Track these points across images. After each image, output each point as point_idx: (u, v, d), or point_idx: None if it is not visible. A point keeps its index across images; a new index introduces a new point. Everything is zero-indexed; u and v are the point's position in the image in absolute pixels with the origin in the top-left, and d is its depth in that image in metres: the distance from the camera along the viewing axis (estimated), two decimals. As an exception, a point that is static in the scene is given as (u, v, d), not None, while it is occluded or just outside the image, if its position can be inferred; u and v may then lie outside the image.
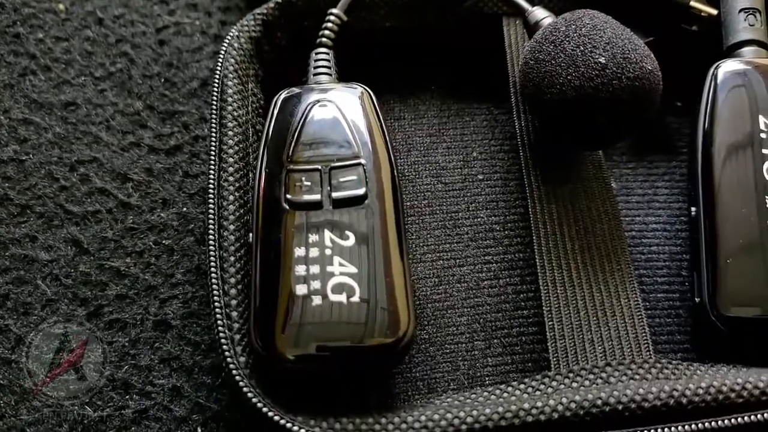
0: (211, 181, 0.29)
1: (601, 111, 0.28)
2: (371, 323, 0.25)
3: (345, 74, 0.33)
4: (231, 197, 0.29)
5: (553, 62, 0.28)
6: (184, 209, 0.34)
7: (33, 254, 0.32)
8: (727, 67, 0.31)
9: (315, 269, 0.26)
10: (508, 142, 0.34)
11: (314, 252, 0.26)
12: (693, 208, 0.30)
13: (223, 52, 0.32)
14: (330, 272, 0.26)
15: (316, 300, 0.25)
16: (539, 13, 0.31)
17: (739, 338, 0.28)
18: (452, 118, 0.35)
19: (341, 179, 0.28)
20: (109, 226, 0.33)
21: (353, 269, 0.26)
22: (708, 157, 0.30)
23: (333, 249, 0.26)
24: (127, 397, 0.29)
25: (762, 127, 0.30)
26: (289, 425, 0.24)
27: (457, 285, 0.31)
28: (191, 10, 0.39)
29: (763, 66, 0.31)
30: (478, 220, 0.33)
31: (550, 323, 0.28)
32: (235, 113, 0.31)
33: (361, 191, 0.27)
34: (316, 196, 0.27)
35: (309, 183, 0.28)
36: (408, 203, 0.33)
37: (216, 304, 0.27)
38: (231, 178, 0.29)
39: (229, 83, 0.32)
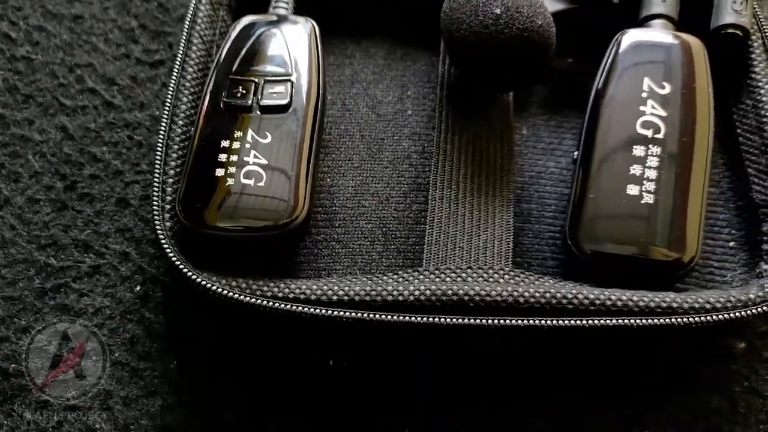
0: (172, 84, 0.35)
1: (493, 55, 0.32)
2: (270, 205, 0.31)
3: (311, 11, 0.38)
4: (185, 99, 0.35)
5: (461, 11, 0.33)
6: (157, 112, 0.40)
7: (29, 135, 0.39)
8: (629, 34, 0.35)
9: (234, 158, 0.32)
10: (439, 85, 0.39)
11: (236, 145, 0.32)
12: (576, 152, 0.35)
13: (203, -18, 0.38)
14: (246, 161, 0.31)
15: (230, 181, 0.31)
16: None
17: (596, 269, 0.33)
18: (396, 60, 0.40)
19: (270, 90, 0.33)
20: (93, 119, 0.39)
21: (264, 161, 0.32)
22: (595, 108, 0.34)
23: (252, 144, 0.32)
24: (86, 255, 0.36)
25: (645, 87, 0.34)
26: (194, 276, 0.30)
27: (370, 198, 0.36)
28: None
29: (662, 36, 0.35)
30: (400, 147, 0.38)
31: (429, 230, 0.33)
32: (202, 33, 0.37)
33: (284, 101, 0.33)
34: (248, 102, 0.33)
35: (244, 91, 0.33)
36: (342, 127, 0.38)
37: (156, 180, 0.32)
38: (188, 84, 0.35)
39: (201, 8, 0.37)
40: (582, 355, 0.34)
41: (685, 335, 0.33)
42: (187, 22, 0.37)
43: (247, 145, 0.32)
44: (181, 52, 0.36)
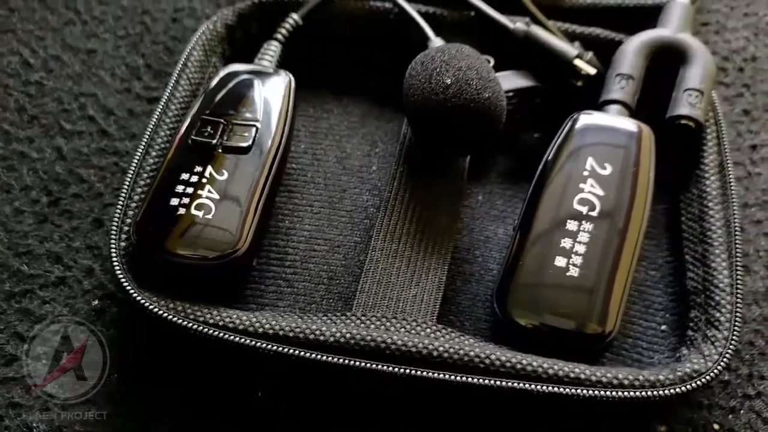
0: (154, 118, 0.38)
1: (441, 122, 0.35)
2: (213, 237, 0.33)
3: (296, 65, 0.41)
4: (162, 133, 0.38)
5: (417, 77, 0.35)
6: (145, 144, 0.43)
7: (27, 152, 0.42)
8: (584, 115, 0.37)
9: (190, 190, 0.34)
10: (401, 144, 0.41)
11: (194, 178, 0.35)
12: (517, 221, 0.36)
13: (199, 32, 0.42)
14: (200, 194, 0.34)
15: (181, 210, 0.34)
16: (433, 42, 0.39)
17: (519, 334, 0.34)
18: (371, 119, 0.43)
19: (235, 133, 0.36)
20: (87, 144, 0.43)
21: (217, 196, 0.34)
22: (540, 180, 0.36)
23: (209, 179, 0.34)
24: (55, 266, 0.39)
25: (587, 166, 0.36)
26: (134, 293, 0.33)
27: (322, 243, 0.38)
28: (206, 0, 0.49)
29: (614, 121, 0.37)
30: (360, 199, 0.40)
31: (364, 278, 0.35)
32: (191, 75, 0.40)
33: (246, 144, 0.36)
34: (213, 141, 0.36)
35: (212, 131, 0.36)
36: (309, 175, 0.41)
37: (120, 203, 0.35)
38: (168, 120, 0.38)
39: (195, 53, 0.41)
40: (504, 420, 0.34)
41: (605, 412, 0.34)
42: (180, 65, 0.40)
43: (204, 180, 0.34)
44: (168, 91, 0.39)
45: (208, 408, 0.34)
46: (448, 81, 0.34)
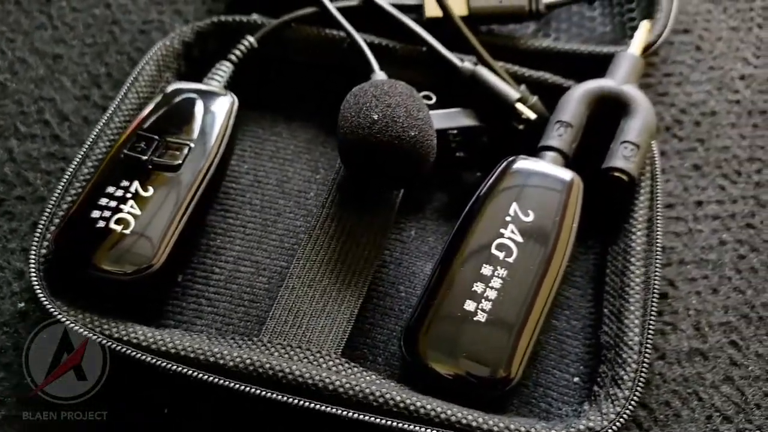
0: (95, 131, 0.39)
1: (366, 156, 0.35)
2: (127, 252, 0.34)
3: (250, 86, 0.42)
4: (102, 144, 0.38)
5: (349, 110, 0.36)
6: (93, 152, 0.44)
7: (-21, 151, 0.43)
8: (516, 159, 0.37)
9: (112, 204, 0.35)
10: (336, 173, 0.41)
11: (119, 192, 0.35)
12: (437, 260, 0.36)
13: (155, 47, 0.42)
14: (121, 209, 0.35)
15: (100, 223, 0.34)
16: (376, 75, 0.39)
17: (422, 374, 0.33)
18: (317, 144, 0.43)
19: (167, 150, 0.37)
20: (38, 147, 0.44)
21: (138, 212, 0.35)
22: (464, 222, 0.36)
23: (133, 195, 0.35)
24: (-11, 265, 0.39)
25: (510, 212, 0.35)
26: (44, 301, 0.33)
27: (249, 265, 0.39)
28: (176, 15, 0.50)
29: (545, 168, 0.37)
30: (293, 224, 0.40)
31: (276, 304, 0.35)
32: (140, 90, 0.41)
33: (175, 163, 0.36)
34: (144, 157, 0.36)
35: (145, 146, 0.37)
36: (248, 196, 0.41)
37: (47, 211, 0.36)
38: (109, 132, 0.39)
39: (147, 68, 0.42)
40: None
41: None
42: (131, 78, 0.41)
43: (128, 195, 0.35)
44: (115, 103, 0.40)
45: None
46: (375, 117, 0.34)
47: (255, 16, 0.44)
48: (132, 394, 0.35)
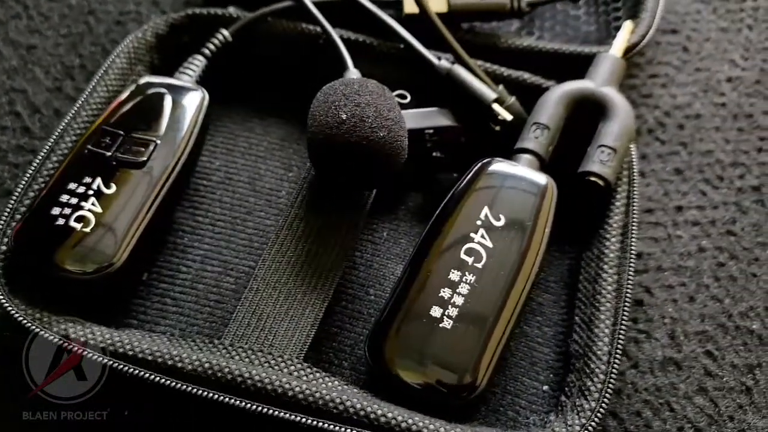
0: (62, 125, 0.38)
1: (332, 156, 0.34)
2: (86, 251, 0.33)
3: (225, 81, 0.41)
4: (68, 138, 0.38)
5: (317, 109, 0.35)
6: (63, 145, 0.43)
7: (-52, 141, 0.43)
8: (490, 161, 0.36)
9: (74, 201, 0.34)
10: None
11: (81, 189, 0.34)
12: (406, 264, 0.35)
13: (127, 40, 0.42)
14: (82, 206, 0.34)
15: (60, 221, 0.33)
16: (349, 73, 0.38)
17: (386, 380, 0.33)
18: (291, 142, 0.43)
19: (132, 146, 0.36)
20: (8, 140, 0.43)
21: (99, 210, 0.34)
22: (434, 227, 0.35)
23: (95, 192, 0.34)
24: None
25: (482, 216, 0.35)
26: (4, 302, 0.32)
27: (216, 264, 0.38)
28: (152, 6, 0.49)
29: (519, 171, 0.36)
30: (263, 223, 0.39)
31: (240, 306, 0.34)
32: (109, 83, 0.40)
33: (140, 159, 0.35)
34: (108, 153, 0.36)
35: (109, 142, 0.36)
36: (218, 193, 0.40)
37: (9, 206, 0.35)
38: (76, 126, 0.38)
39: (118, 61, 0.41)
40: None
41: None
42: (100, 71, 0.40)
43: (90, 192, 0.34)
44: (83, 97, 0.39)
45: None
46: (344, 116, 0.34)
47: (231, 9, 0.43)
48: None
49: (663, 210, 0.42)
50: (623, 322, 0.34)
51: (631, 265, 0.35)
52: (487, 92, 0.39)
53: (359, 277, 0.38)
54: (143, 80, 0.39)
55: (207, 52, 0.41)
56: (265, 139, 0.43)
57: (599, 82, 0.39)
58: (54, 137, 0.37)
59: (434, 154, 0.40)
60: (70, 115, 0.38)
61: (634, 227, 0.36)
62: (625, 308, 0.34)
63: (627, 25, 0.41)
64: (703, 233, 0.41)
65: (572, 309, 0.37)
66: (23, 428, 0.34)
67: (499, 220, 0.34)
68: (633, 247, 0.36)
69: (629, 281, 0.35)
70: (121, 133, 0.36)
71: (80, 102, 0.39)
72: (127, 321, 0.36)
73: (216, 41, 0.42)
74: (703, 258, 0.40)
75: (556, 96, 0.39)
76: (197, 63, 0.41)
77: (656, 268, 0.40)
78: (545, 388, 0.35)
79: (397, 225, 0.40)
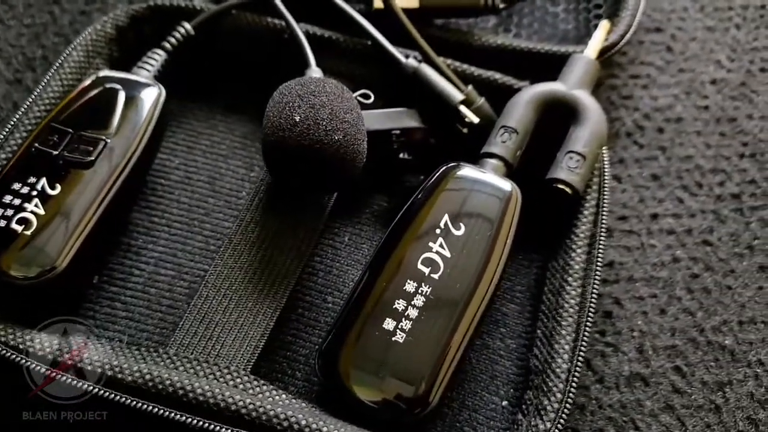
0: (12, 121, 0.37)
1: (285, 160, 0.33)
2: (29, 256, 0.32)
3: (189, 76, 0.40)
4: (18, 135, 0.36)
5: (271, 110, 0.33)
6: (20, 140, 0.41)
7: None
8: (454, 166, 0.35)
9: (17, 202, 0.33)
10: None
11: (25, 190, 0.33)
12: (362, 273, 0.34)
13: (86, 32, 0.40)
14: (24, 207, 0.32)
15: (1, 223, 0.32)
16: (311, 71, 0.37)
17: (336, 393, 0.32)
18: (255, 140, 0.41)
19: (80, 145, 0.34)
20: (-37, 133, 0.42)
21: (41, 212, 0.32)
22: (392, 234, 0.34)
23: (38, 193, 0.33)
24: None
25: (441, 224, 0.33)
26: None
27: (170, 268, 0.36)
28: (120, -5, 0.48)
29: (483, 178, 0.35)
30: (221, 226, 0.38)
31: (188, 314, 0.33)
32: (64, 77, 0.39)
33: (88, 159, 0.34)
34: (55, 152, 0.34)
35: (57, 140, 0.35)
36: (176, 193, 0.39)
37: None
38: (27, 122, 0.37)
39: (75, 54, 0.39)
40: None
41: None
42: (56, 65, 0.39)
43: (34, 193, 0.33)
44: (36, 92, 0.38)
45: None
46: (297, 118, 0.32)
47: (196, 0, 0.42)
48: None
49: (637, 217, 0.40)
50: (585, 337, 0.32)
51: (597, 277, 0.34)
52: (454, 93, 0.37)
53: (317, 284, 0.36)
54: (97, 75, 0.38)
55: (168, 46, 0.40)
56: (228, 137, 0.41)
57: (571, 84, 0.37)
58: (3, 134, 0.36)
59: (401, 155, 0.39)
60: (22, 110, 0.37)
61: (602, 238, 0.35)
62: (588, 323, 0.33)
63: (604, 25, 0.40)
64: (678, 243, 0.40)
65: (536, 319, 0.35)
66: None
67: (459, 229, 0.33)
68: (600, 259, 0.34)
69: (594, 294, 0.33)
70: (70, 131, 0.35)
71: (33, 97, 0.37)
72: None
73: (177, 35, 0.40)
74: (676, 269, 0.39)
75: (526, 98, 0.37)
76: (156, 58, 0.39)
77: (627, 279, 0.38)
78: (504, 403, 0.34)
79: (360, 229, 0.39)
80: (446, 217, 0.33)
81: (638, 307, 0.38)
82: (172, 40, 0.40)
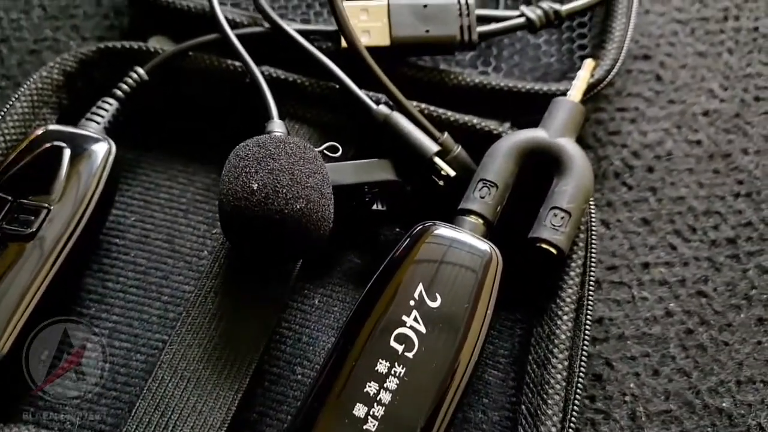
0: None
1: (240, 230, 0.30)
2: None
3: (147, 124, 0.37)
4: (-45, 200, 0.33)
5: (228, 174, 0.30)
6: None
7: None
8: (428, 227, 0.32)
9: (-50, 282, 0.30)
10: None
11: (-41, 268, 0.30)
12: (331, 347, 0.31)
13: (30, 80, 0.37)
14: (-43, 289, 0.30)
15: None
16: (272, 124, 0.34)
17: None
18: (217, 193, 0.38)
19: (20, 215, 0.32)
20: None
21: (-21, 292, 0.30)
22: (363, 305, 0.31)
23: (-26, 271, 0.30)
24: None
25: (416, 295, 0.31)
26: None
27: (125, 340, 0.34)
28: (73, 32, 0.44)
29: (463, 240, 0.32)
30: (179, 290, 0.35)
31: (141, 400, 0.30)
32: (7, 131, 0.36)
33: (28, 231, 0.31)
34: (-9, 223, 0.31)
35: (-5, 210, 0.32)
36: (132, 255, 0.36)
37: None
38: (-35, 185, 0.34)
39: (18, 106, 0.36)
40: None
41: None
42: (-1, 116, 0.36)
43: (-31, 272, 0.30)
44: (-25, 146, 0.35)
45: None
46: (254, 186, 0.29)
47: (152, 41, 0.39)
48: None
49: (628, 267, 0.38)
50: (574, 413, 0.30)
51: (585, 346, 0.31)
52: (428, 144, 0.35)
53: (285, 353, 0.34)
54: (42, 130, 0.35)
55: (119, 93, 0.37)
56: (189, 189, 0.38)
57: (554, 132, 0.35)
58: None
59: (374, 207, 0.36)
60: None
61: (590, 302, 0.32)
62: (576, 398, 0.30)
63: (588, 64, 0.37)
64: (671, 294, 0.37)
65: (521, 390, 0.33)
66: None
67: (435, 300, 0.30)
68: (587, 326, 0.32)
69: (582, 366, 0.31)
70: (9, 198, 0.32)
71: (-30, 153, 0.35)
72: (16, 414, 0.32)
73: (130, 81, 0.37)
74: (669, 324, 0.36)
75: (505, 148, 0.34)
76: (107, 107, 0.37)
77: (618, 336, 0.36)
78: (485, 484, 0.31)
79: (331, 290, 0.36)
80: (420, 287, 0.31)
81: (630, 368, 0.35)
82: (124, 86, 0.37)
